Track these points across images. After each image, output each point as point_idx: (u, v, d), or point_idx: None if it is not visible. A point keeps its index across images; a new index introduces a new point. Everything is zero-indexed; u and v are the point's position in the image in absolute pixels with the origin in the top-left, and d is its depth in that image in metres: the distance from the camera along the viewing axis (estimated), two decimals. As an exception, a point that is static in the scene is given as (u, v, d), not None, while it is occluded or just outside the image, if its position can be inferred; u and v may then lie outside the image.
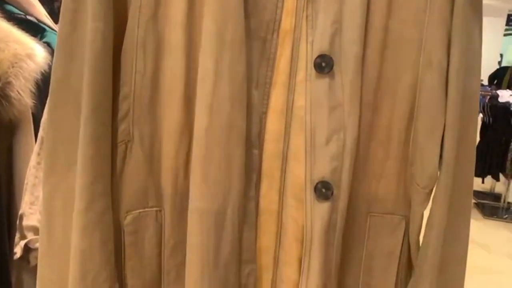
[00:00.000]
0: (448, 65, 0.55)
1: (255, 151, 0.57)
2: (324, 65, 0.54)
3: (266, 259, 0.62)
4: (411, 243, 0.62)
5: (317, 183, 0.55)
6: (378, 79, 0.57)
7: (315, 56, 0.54)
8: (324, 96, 0.55)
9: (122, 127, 0.56)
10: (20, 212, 0.94)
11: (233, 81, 0.53)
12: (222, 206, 0.55)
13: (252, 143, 0.57)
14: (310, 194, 0.56)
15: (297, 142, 0.57)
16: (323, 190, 0.55)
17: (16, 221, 0.95)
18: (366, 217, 0.60)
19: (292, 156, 0.58)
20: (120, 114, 0.56)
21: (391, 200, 0.60)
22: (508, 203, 3.24)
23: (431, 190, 0.59)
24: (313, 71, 0.55)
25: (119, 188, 0.57)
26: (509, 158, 3.06)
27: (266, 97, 0.57)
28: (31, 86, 0.91)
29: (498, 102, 3.09)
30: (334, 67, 0.54)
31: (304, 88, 0.56)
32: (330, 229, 0.56)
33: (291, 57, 0.56)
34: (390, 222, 0.60)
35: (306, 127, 0.56)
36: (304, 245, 0.57)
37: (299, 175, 0.57)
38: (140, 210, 0.58)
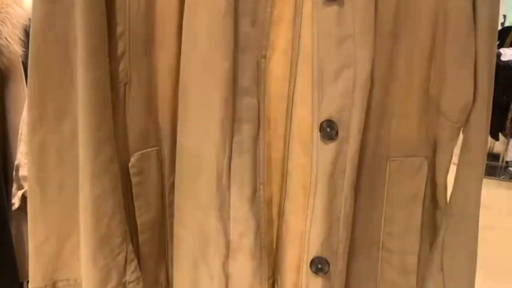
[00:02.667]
0: None
1: (250, 99, 0.52)
2: None
3: (270, 212, 0.59)
4: (438, 184, 0.59)
5: (322, 122, 0.52)
6: (397, 5, 0.51)
7: None
8: (332, 26, 0.50)
9: (119, 68, 0.53)
10: (16, 162, 0.93)
11: (212, 13, 0.49)
12: (199, 148, 0.54)
13: (246, 89, 0.52)
14: (315, 134, 0.52)
15: (304, 83, 0.53)
16: (328, 129, 0.52)
17: (13, 172, 0.94)
18: (386, 163, 0.56)
19: (299, 99, 0.54)
20: (117, 54, 0.53)
21: (413, 141, 0.57)
22: (507, 162, 3.25)
23: (462, 124, 0.56)
24: None
25: (121, 131, 0.55)
26: (509, 117, 3.04)
27: (266, 37, 0.52)
28: (19, 33, 0.88)
29: (500, 60, 3.04)
30: None
31: (311, 21, 0.51)
32: (336, 173, 0.53)
33: None
34: (412, 165, 0.57)
35: (313, 63, 0.51)
36: (309, 191, 0.54)
37: (306, 117, 0.54)
38: (143, 151, 0.57)
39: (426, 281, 0.62)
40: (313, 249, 0.55)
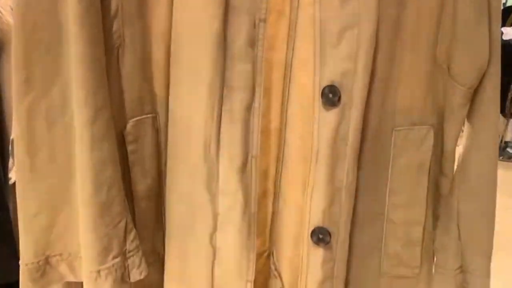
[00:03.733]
0: None
1: (244, 65, 0.50)
2: None
3: (265, 184, 0.58)
4: (446, 152, 0.58)
5: (324, 88, 0.49)
6: None
7: None
8: None
9: (113, 29, 0.51)
10: (12, 136, 0.92)
11: None
12: (188, 115, 0.52)
13: (239, 54, 0.49)
14: (317, 101, 0.50)
15: (304, 47, 0.51)
16: (330, 95, 0.49)
17: (9, 146, 0.93)
18: (391, 133, 0.54)
19: (298, 64, 0.52)
20: (110, 13, 0.50)
21: (419, 110, 0.55)
22: (506, 142, 3.24)
23: (473, 89, 0.54)
24: None
25: (116, 97, 0.53)
26: (509, 98, 3.02)
27: None
28: (12, 3, 0.85)
29: (502, 39, 3.00)
30: None
31: None
32: (338, 140, 0.51)
33: None
34: (418, 134, 0.55)
35: (315, 25, 0.49)
36: (310, 160, 0.52)
37: (306, 83, 0.51)
38: (138, 118, 0.55)
39: (440, 252, 0.61)
40: (314, 219, 0.53)
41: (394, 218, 0.57)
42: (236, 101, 0.50)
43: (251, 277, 0.54)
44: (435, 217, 0.61)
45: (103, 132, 0.50)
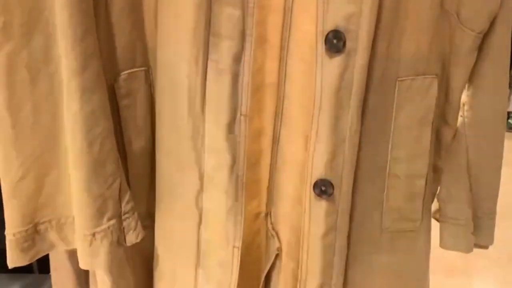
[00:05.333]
0: None
1: (232, 10, 0.46)
2: None
3: (261, 143, 0.56)
4: (452, 102, 0.57)
5: (328, 33, 0.47)
6: None
7: None
8: None
9: None
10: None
11: None
12: (173, 64, 0.49)
13: (228, 1, 0.46)
14: (320, 48, 0.48)
15: None
16: (334, 41, 0.47)
17: None
18: (395, 83, 0.52)
19: (299, 9, 0.49)
20: None
21: (423, 58, 0.53)
22: (509, 112, 3.23)
23: (483, 33, 0.54)
24: None
25: (105, 45, 0.50)
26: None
27: None
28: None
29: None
30: None
31: None
32: (342, 89, 0.49)
33: None
34: (422, 85, 0.53)
35: None
36: (312, 112, 0.50)
37: (308, 30, 0.49)
38: (130, 71, 0.52)
39: (451, 203, 0.61)
40: (317, 172, 0.51)
41: (396, 172, 0.56)
42: (224, 51, 0.47)
43: (238, 242, 0.52)
44: (437, 169, 0.61)
45: (93, 83, 0.46)
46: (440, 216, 0.63)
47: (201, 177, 0.51)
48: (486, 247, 0.65)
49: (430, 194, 0.60)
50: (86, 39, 0.45)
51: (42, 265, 1.06)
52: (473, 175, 0.60)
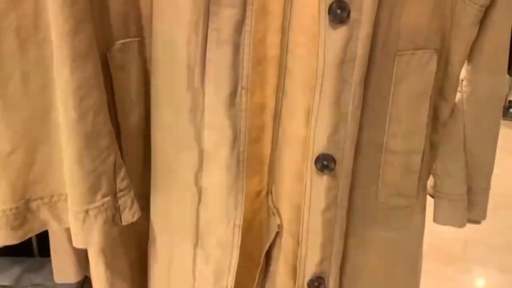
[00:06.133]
0: None
1: None
2: None
3: (262, 118, 0.54)
4: (451, 77, 0.56)
5: (332, 3, 0.46)
6: None
7: None
8: None
9: None
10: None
11: None
12: (170, 32, 0.47)
13: None
14: (323, 18, 0.46)
15: None
16: (338, 11, 0.46)
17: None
18: (394, 57, 0.51)
19: None
20: None
21: (424, 32, 0.52)
22: (509, 101, 3.20)
23: (486, 6, 0.53)
24: None
25: (97, 13, 0.47)
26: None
27: None
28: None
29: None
30: None
31: None
32: (346, 61, 0.47)
33: None
34: (421, 59, 0.52)
35: None
36: (315, 85, 0.48)
37: (312, 0, 0.47)
38: (123, 41, 0.50)
39: (446, 178, 0.61)
40: (318, 147, 0.50)
41: (393, 148, 0.55)
42: (224, 19, 0.45)
43: (239, 221, 0.51)
44: (433, 145, 0.61)
45: (85, 49, 0.44)
46: (435, 192, 0.63)
47: (200, 154, 0.50)
48: (478, 222, 0.66)
49: (426, 171, 0.60)
50: (77, 2, 0.43)
51: (43, 249, 1.05)
52: (469, 150, 0.60)
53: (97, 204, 0.48)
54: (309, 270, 0.54)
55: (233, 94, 0.47)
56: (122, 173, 0.50)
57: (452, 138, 0.60)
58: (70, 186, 0.48)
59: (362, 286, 0.60)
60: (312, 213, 0.52)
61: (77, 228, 0.48)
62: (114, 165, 0.49)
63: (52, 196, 0.50)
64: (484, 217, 0.65)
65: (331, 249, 0.53)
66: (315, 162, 0.50)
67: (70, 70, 0.44)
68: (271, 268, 0.58)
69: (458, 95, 0.59)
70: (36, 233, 0.51)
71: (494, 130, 0.61)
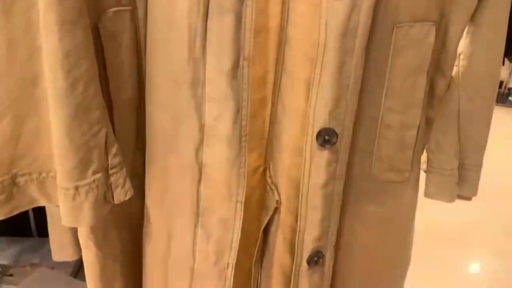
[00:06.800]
0: None
1: None
2: None
3: (262, 91, 0.52)
4: (448, 52, 0.55)
5: None
6: None
7: None
8: None
9: None
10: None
11: None
12: (169, 1, 0.45)
13: None
14: None
15: None
16: None
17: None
18: (392, 30, 0.49)
19: None
20: None
21: (423, 4, 0.50)
22: (509, 89, 3.19)
23: None
24: None
25: None
26: (514, 41, 2.94)
27: None
28: None
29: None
30: None
31: None
32: (348, 32, 0.45)
33: None
34: (419, 32, 0.51)
35: None
36: (316, 57, 0.46)
37: None
38: (114, 9, 0.47)
39: (438, 153, 0.61)
40: (320, 121, 0.48)
41: (388, 123, 0.54)
42: None
43: (242, 197, 0.49)
44: (429, 120, 0.60)
45: (73, 15, 0.42)
46: (427, 166, 0.63)
47: (201, 129, 0.48)
48: (469, 198, 0.66)
49: (420, 146, 0.59)
50: None
51: (41, 229, 1.05)
52: (463, 125, 0.60)
53: (88, 180, 0.46)
54: (308, 245, 0.53)
55: (236, 66, 0.45)
56: (114, 149, 0.48)
57: (446, 113, 0.60)
58: (59, 161, 0.46)
59: (355, 260, 0.60)
60: (311, 188, 0.50)
61: (67, 205, 0.46)
62: (106, 140, 0.47)
63: (40, 173, 0.48)
64: (475, 193, 0.65)
65: (329, 223, 0.53)
66: (317, 136, 0.48)
67: (57, 35, 0.41)
68: (269, 245, 0.57)
69: (455, 69, 0.59)
70: (24, 209, 0.49)
71: (488, 106, 0.60)
